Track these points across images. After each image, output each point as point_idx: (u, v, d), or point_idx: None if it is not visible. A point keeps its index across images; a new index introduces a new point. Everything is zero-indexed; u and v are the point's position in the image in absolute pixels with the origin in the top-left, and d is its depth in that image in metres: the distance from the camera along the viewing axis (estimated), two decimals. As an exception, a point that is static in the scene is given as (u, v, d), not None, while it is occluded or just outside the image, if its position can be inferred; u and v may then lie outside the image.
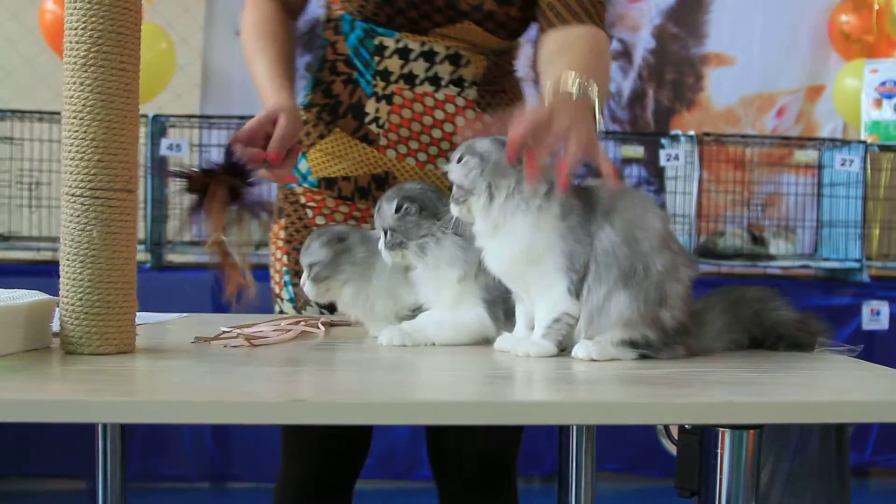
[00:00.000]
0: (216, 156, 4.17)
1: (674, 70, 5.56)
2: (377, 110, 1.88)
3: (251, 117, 1.72)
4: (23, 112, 4.24)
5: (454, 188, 1.41)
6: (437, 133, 1.88)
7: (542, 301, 1.38)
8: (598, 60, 1.77)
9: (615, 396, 1.16)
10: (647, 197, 1.50)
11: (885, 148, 4.73)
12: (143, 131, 4.19)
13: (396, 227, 1.51)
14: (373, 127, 1.88)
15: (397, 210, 1.51)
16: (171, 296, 3.86)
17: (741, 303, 1.53)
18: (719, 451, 1.16)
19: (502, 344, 1.44)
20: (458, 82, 1.89)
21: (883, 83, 4.90)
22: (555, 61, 1.72)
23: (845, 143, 4.75)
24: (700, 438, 1.19)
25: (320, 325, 1.65)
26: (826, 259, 4.69)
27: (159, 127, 4.23)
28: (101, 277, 1.29)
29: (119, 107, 1.30)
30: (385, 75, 1.88)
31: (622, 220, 1.36)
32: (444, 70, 1.88)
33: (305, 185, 1.96)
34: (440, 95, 1.88)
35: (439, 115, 1.88)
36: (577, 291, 1.36)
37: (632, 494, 4.18)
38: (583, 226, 1.36)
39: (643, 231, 1.36)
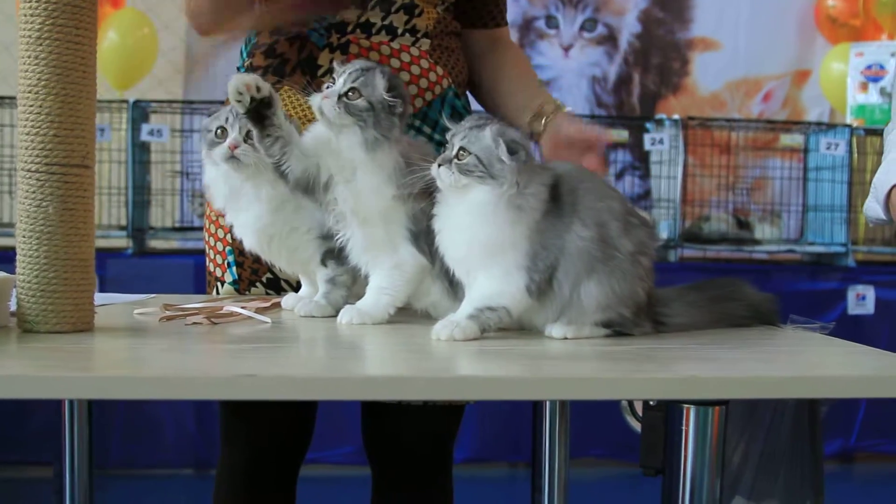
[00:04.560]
0: (198, 142, 4.20)
1: (660, 55, 5.54)
2: (331, 60, 1.82)
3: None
4: (2, 98, 4.20)
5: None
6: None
7: (488, 287, 1.34)
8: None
9: (578, 372, 1.15)
10: (600, 176, 1.48)
11: (870, 132, 4.70)
12: (123, 117, 4.17)
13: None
14: (327, 79, 1.83)
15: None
16: (152, 282, 3.84)
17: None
18: (684, 427, 1.14)
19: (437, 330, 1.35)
20: (412, 31, 1.88)
21: (869, 67, 4.88)
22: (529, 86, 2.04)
23: (830, 126, 4.73)
24: (664, 415, 1.17)
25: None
26: (812, 244, 4.67)
27: (140, 112, 4.20)
28: (58, 254, 1.27)
29: (75, 81, 1.28)
30: (341, 27, 1.85)
31: (588, 210, 1.34)
32: (398, 20, 1.87)
33: None
34: (395, 44, 1.87)
35: (395, 63, 1.86)
36: (538, 291, 1.33)
37: (614, 479, 4.17)
38: (553, 227, 1.33)
39: (608, 214, 1.35)
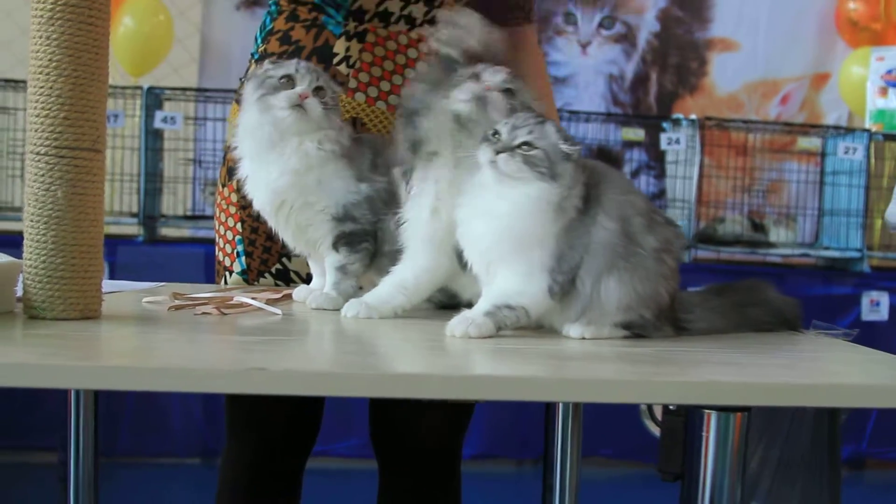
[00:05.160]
0: (211, 130, 4.19)
1: (678, 54, 5.49)
2: (347, 49, 1.81)
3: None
4: (17, 81, 4.18)
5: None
6: (410, 73, 1.82)
7: (510, 285, 1.30)
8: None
9: (598, 374, 1.11)
10: (622, 174, 1.45)
11: (889, 137, 4.65)
12: (137, 104, 4.15)
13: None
14: (342, 67, 1.81)
15: None
16: (163, 270, 3.81)
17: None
18: (705, 433, 1.11)
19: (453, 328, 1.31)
20: (431, 22, 1.83)
21: (889, 71, 4.83)
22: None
23: (849, 130, 4.68)
24: (685, 420, 1.14)
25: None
26: (827, 248, 4.63)
27: (154, 99, 4.18)
28: (66, 240, 1.24)
29: (87, 62, 1.25)
30: (359, 14, 1.81)
31: (611, 202, 1.30)
32: (418, 10, 1.83)
33: None
34: (414, 34, 1.83)
35: (412, 54, 1.83)
36: (561, 292, 1.30)
37: (623, 480, 4.13)
38: (581, 224, 1.30)
39: (632, 209, 1.31)
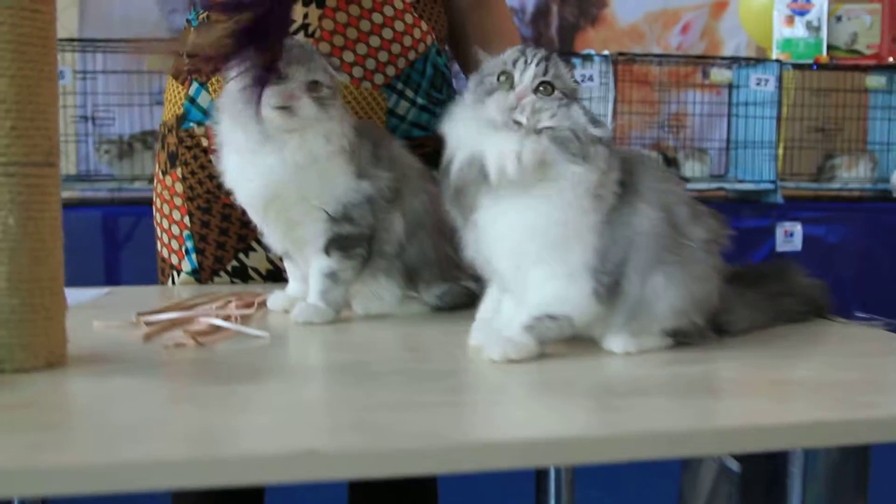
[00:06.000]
0: (102, 83, 3.87)
1: (579, -15, 5.36)
2: (306, 16, 1.61)
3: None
4: None
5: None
6: (374, 41, 1.64)
7: (549, 290, 1.12)
8: None
9: (669, 420, 0.91)
10: (656, 161, 1.29)
11: (798, 66, 4.61)
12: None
13: None
14: (300, 36, 1.60)
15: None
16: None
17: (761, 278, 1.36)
18: (794, 470, 0.97)
19: (476, 338, 1.18)
20: None
21: (795, 0, 4.77)
22: None
23: (759, 61, 4.62)
24: (769, 457, 1.00)
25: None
26: (741, 181, 4.58)
27: (36, 51, 3.83)
28: (22, 276, 1.02)
29: (34, 58, 1.02)
30: None
31: (651, 191, 1.14)
32: None
33: (208, 123, 1.62)
34: None
35: (377, 18, 1.64)
36: (608, 295, 1.12)
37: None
38: (620, 215, 1.12)
39: (674, 196, 1.16)
